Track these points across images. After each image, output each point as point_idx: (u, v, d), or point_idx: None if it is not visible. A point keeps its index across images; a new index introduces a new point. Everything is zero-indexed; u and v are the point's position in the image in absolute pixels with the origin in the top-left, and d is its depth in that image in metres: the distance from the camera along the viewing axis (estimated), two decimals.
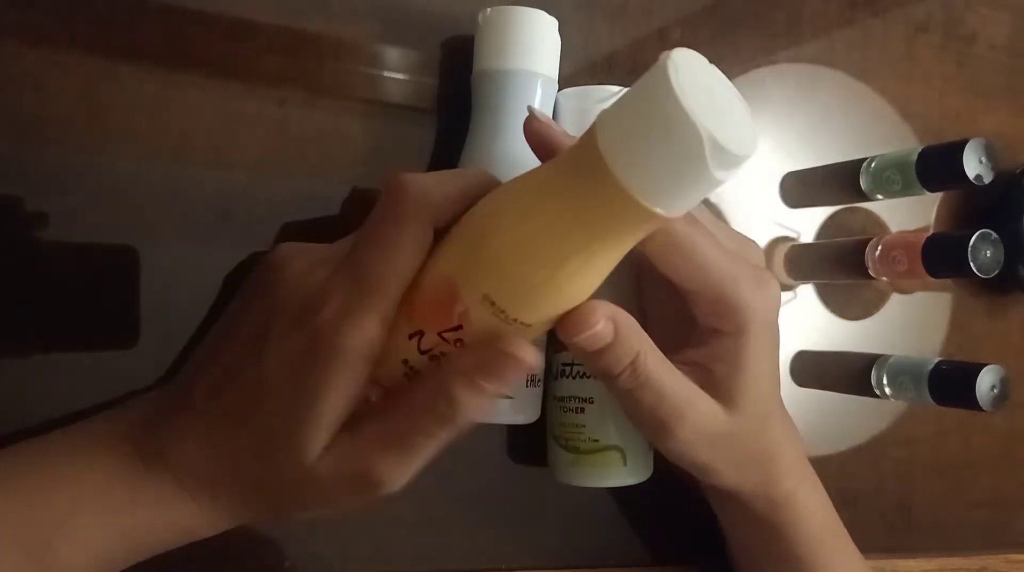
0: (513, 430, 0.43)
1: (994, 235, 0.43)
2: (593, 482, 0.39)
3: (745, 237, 0.37)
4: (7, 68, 0.36)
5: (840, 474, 0.50)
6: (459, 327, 0.29)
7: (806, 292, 0.51)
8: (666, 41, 0.47)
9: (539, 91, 0.38)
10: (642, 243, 0.29)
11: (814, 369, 0.51)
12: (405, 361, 0.31)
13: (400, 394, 0.30)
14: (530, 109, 0.31)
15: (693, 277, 0.33)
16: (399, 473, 0.29)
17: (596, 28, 0.45)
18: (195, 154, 0.38)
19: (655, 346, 0.33)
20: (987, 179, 0.44)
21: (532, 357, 0.28)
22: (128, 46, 0.37)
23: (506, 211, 0.28)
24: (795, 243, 0.50)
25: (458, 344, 0.29)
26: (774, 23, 0.50)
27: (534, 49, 0.38)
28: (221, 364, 0.31)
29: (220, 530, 0.32)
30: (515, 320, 0.28)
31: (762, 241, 0.50)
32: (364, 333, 0.28)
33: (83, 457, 0.31)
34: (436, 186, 0.29)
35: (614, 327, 0.31)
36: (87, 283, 0.36)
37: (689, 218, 0.32)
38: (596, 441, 0.39)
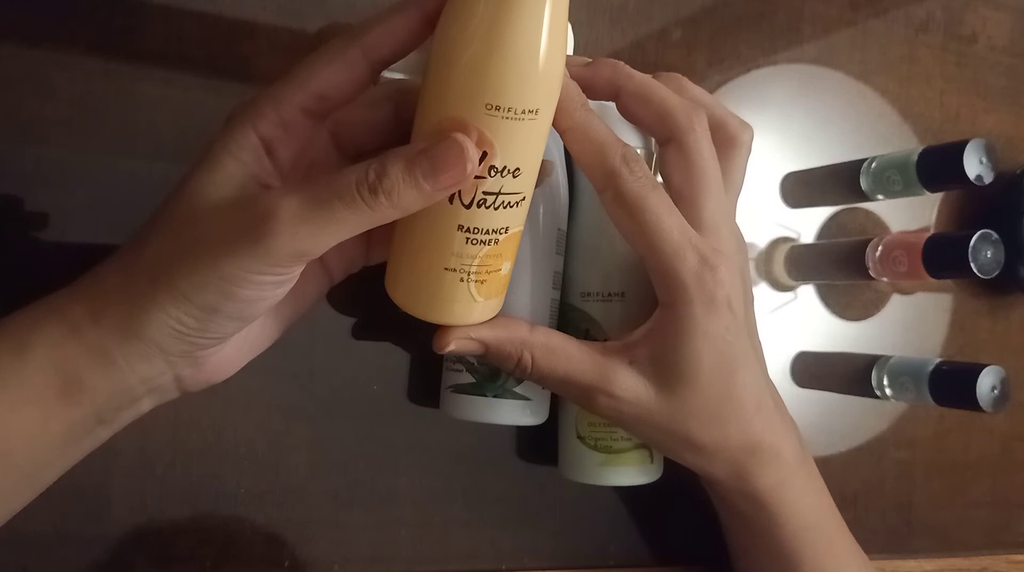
0: (512, 431, 0.43)
1: (995, 235, 0.43)
2: (623, 481, 0.39)
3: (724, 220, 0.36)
4: (7, 68, 0.36)
5: (840, 474, 0.50)
6: (484, 155, 0.29)
7: (807, 293, 0.51)
8: (666, 41, 0.47)
9: None
10: (603, 202, 0.34)
11: (815, 370, 0.51)
12: (461, 226, 0.31)
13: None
14: None
15: (637, 240, 0.34)
16: (297, 226, 0.28)
17: (596, 28, 0.45)
18: (194, 154, 0.38)
19: (550, 341, 0.35)
20: (987, 179, 0.44)
21: (474, 152, 0.28)
22: (128, 46, 0.37)
23: (454, 27, 0.29)
24: (795, 243, 0.50)
25: (493, 172, 0.30)
26: (774, 23, 0.50)
27: None
28: None
29: (128, 362, 0.30)
30: (525, 111, 0.29)
31: (763, 241, 0.50)
32: (265, 98, 0.30)
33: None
34: (370, 21, 0.31)
35: (481, 345, 0.35)
36: None
37: (652, 184, 0.33)
38: (629, 439, 0.39)
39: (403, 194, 0.28)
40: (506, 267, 0.33)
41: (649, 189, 0.33)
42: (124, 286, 0.30)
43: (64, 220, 0.36)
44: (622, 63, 0.35)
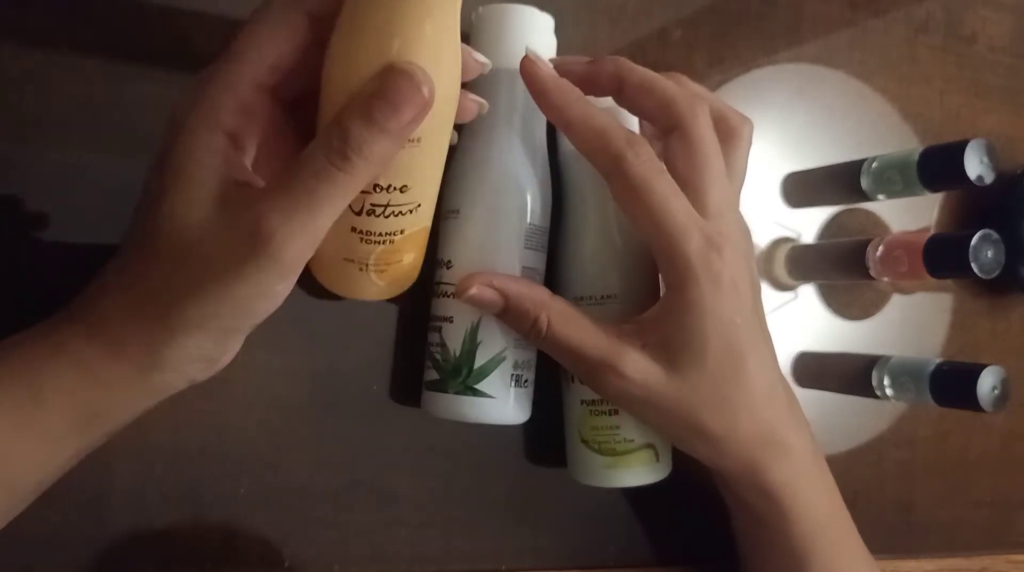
0: (512, 432, 0.43)
1: (995, 235, 0.43)
2: (630, 482, 0.39)
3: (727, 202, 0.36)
4: (7, 68, 0.36)
5: (841, 474, 0.50)
6: None
7: (807, 293, 0.51)
8: (666, 41, 0.47)
9: None
10: (610, 187, 0.34)
11: (815, 370, 0.51)
12: (354, 229, 0.32)
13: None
14: (528, 50, 0.35)
15: (644, 222, 0.34)
16: (291, 225, 0.27)
17: (596, 28, 0.45)
18: None
19: (568, 309, 0.35)
20: (988, 179, 0.44)
21: (425, 76, 0.27)
22: (128, 46, 0.37)
23: (339, 53, 0.29)
24: (796, 244, 0.50)
25: (378, 189, 0.31)
26: (774, 23, 0.50)
27: (528, 46, 0.38)
28: None
29: (140, 379, 0.30)
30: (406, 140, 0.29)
31: (763, 241, 0.50)
32: (216, 86, 0.28)
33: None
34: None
35: (502, 296, 0.35)
36: (87, 283, 0.36)
37: (658, 167, 0.33)
38: (632, 441, 0.39)
39: (373, 146, 0.27)
40: (408, 258, 0.35)
41: (655, 172, 0.33)
42: (136, 324, 0.29)
43: (64, 220, 0.36)
44: (624, 59, 0.36)
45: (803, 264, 0.50)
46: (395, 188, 0.31)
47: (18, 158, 0.36)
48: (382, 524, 0.41)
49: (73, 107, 0.37)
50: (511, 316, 0.36)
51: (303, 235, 0.27)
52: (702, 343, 0.34)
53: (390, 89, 0.27)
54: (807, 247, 0.50)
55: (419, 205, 0.33)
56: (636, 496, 0.45)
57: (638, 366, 0.34)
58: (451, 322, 0.37)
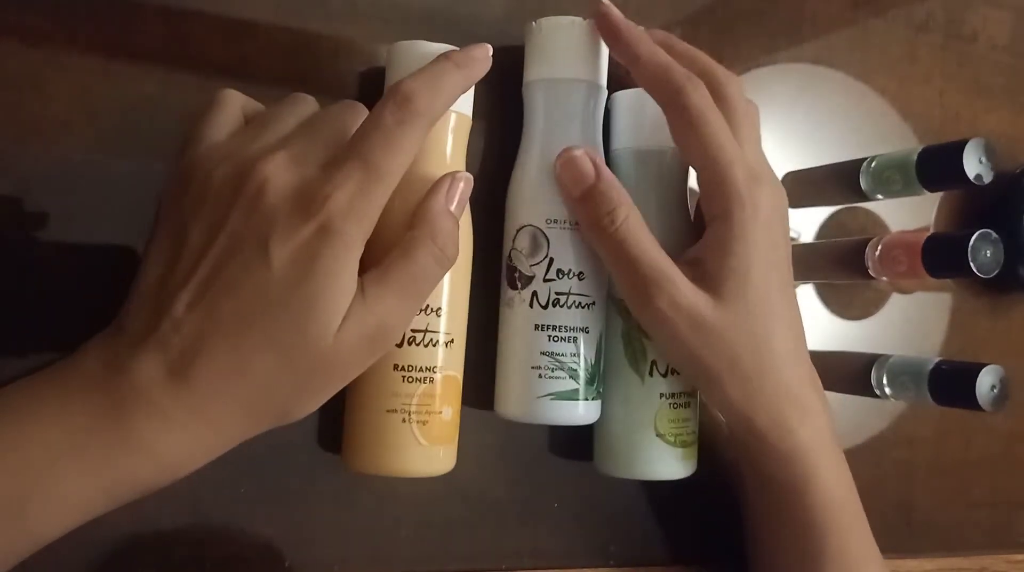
0: (513, 432, 0.43)
1: (994, 235, 0.43)
2: (690, 470, 0.41)
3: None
4: (7, 68, 0.36)
5: None
6: None
7: (806, 292, 0.51)
8: None
9: (588, 98, 0.39)
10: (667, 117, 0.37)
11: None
12: (396, 365, 0.35)
13: (378, 241, 0.32)
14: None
15: (696, 151, 0.36)
16: (405, 312, 0.32)
17: None
18: None
19: (642, 218, 0.37)
20: (987, 179, 0.44)
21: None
22: (128, 46, 0.37)
23: None
24: (795, 243, 0.50)
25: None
26: (775, 23, 0.50)
27: (582, 58, 0.39)
28: (199, 274, 0.30)
29: (213, 456, 0.31)
30: None
31: None
32: (371, 218, 0.31)
33: (48, 411, 0.28)
34: (436, 100, 0.32)
35: (594, 170, 0.37)
36: (87, 283, 0.36)
37: (712, 104, 0.37)
38: (695, 432, 0.41)
39: (449, 225, 0.33)
40: (447, 412, 0.36)
41: (710, 106, 0.36)
42: (246, 418, 0.30)
43: (64, 220, 0.36)
44: (671, 34, 0.41)
45: (802, 264, 0.50)
46: (432, 309, 0.35)
47: (18, 158, 0.36)
48: (382, 524, 0.41)
49: (73, 107, 0.37)
50: (595, 198, 0.37)
51: (409, 322, 0.33)
52: (746, 271, 0.36)
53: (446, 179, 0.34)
54: (806, 246, 0.50)
55: (452, 340, 0.36)
56: (636, 496, 0.45)
57: (689, 289, 0.36)
58: (587, 333, 0.38)
